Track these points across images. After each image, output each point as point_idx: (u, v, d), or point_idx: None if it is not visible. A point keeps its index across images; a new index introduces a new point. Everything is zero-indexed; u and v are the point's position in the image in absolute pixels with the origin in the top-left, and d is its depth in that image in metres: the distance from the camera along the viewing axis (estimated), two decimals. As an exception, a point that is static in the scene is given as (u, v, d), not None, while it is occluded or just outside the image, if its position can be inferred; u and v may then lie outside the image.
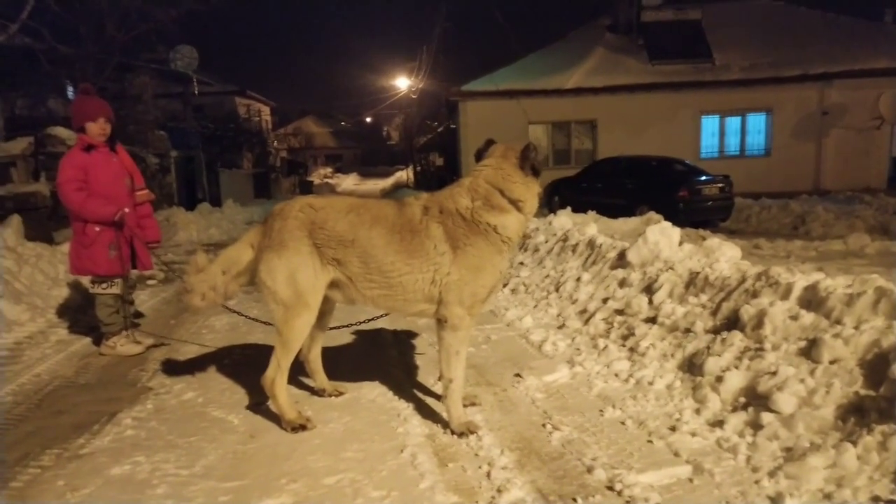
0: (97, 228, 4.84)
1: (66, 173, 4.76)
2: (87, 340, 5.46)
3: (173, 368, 4.62)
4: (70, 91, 17.09)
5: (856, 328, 3.26)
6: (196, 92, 21.72)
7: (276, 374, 3.42)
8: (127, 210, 4.90)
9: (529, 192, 3.33)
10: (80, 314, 6.17)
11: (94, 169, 4.83)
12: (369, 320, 4.83)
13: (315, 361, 3.94)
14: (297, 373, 3.96)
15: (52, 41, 14.50)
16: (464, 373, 3.39)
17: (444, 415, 3.43)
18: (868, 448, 2.63)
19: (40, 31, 14.23)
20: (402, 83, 38.01)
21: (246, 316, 4.95)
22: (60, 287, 6.76)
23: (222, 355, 4.91)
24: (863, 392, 2.95)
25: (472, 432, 3.29)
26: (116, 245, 4.92)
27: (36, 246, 7.58)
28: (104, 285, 4.97)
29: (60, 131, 11.73)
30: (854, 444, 2.67)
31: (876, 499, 2.41)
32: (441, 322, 3.33)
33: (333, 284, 3.45)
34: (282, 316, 3.37)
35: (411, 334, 5.26)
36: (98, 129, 4.87)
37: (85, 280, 5.31)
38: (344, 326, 4.76)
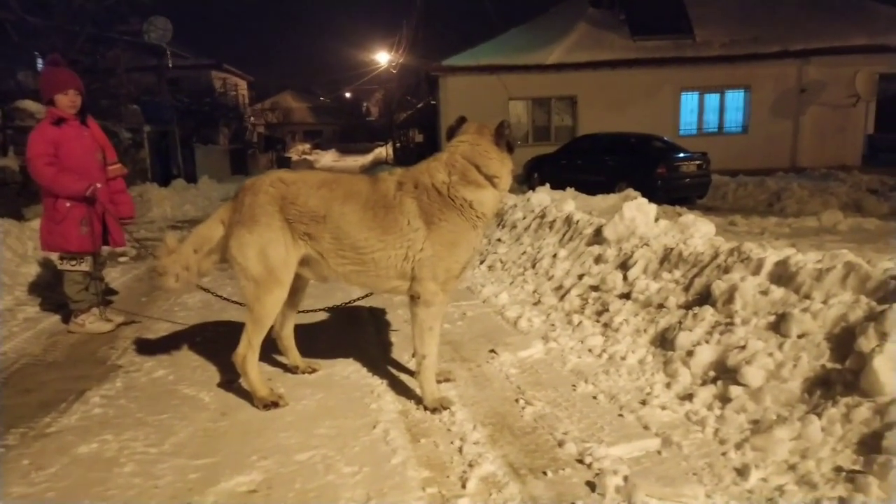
0: (68, 204, 4.73)
1: (36, 148, 4.63)
2: (56, 318, 5.36)
3: (144, 346, 4.56)
4: (39, 63, 16.62)
5: (824, 303, 3.30)
6: (170, 65, 21.28)
7: (248, 351, 3.38)
8: (99, 185, 4.79)
9: (504, 168, 3.31)
10: (48, 291, 6.05)
11: (64, 143, 4.70)
12: (346, 304, 4.81)
13: (288, 339, 3.91)
14: (270, 350, 3.93)
15: (21, 11, 14.06)
16: (437, 349, 3.38)
17: (418, 391, 3.43)
18: (832, 420, 2.67)
19: (7, 1, 13.79)
20: (382, 58, 37.56)
21: (217, 295, 4.89)
22: (29, 264, 6.62)
23: (194, 333, 4.85)
24: (829, 365, 2.99)
25: (445, 408, 3.29)
26: (88, 221, 4.81)
27: (4, 222, 7.40)
28: (73, 262, 4.87)
29: (29, 104, 11.43)
30: (819, 416, 2.71)
31: (839, 469, 2.45)
32: (414, 298, 3.31)
33: (305, 261, 3.40)
34: (253, 292, 3.33)
35: (386, 311, 5.24)
36: (68, 101, 4.73)
37: (54, 256, 5.20)
38: (319, 310, 4.72)
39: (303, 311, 4.18)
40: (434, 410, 3.30)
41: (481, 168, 3.26)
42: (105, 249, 5.21)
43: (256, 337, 3.39)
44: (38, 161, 4.61)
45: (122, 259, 7.99)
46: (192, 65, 28.30)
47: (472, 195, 3.24)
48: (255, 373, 3.44)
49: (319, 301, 5.23)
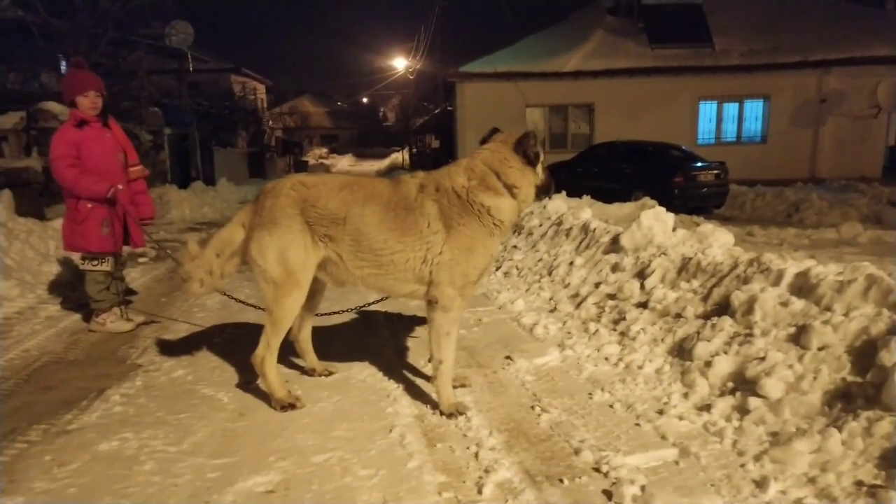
0: (90, 205, 4.80)
1: (59, 149, 4.71)
2: (77, 317, 5.44)
3: (163, 346, 4.61)
4: (63, 65, 16.88)
5: (845, 315, 3.27)
6: (191, 69, 21.48)
7: (266, 353, 3.41)
8: (120, 186, 4.86)
9: (524, 179, 3.31)
10: (70, 290, 6.14)
11: (86, 144, 4.78)
12: (363, 307, 4.83)
13: (305, 341, 3.94)
14: (288, 352, 3.96)
15: (45, 14, 14.30)
16: (454, 354, 3.39)
17: (434, 396, 3.44)
18: (853, 433, 2.64)
19: (33, 4, 14.03)
20: (400, 64, 37.75)
21: (234, 298, 4.91)
22: (51, 263, 6.72)
23: (213, 334, 4.90)
24: (850, 378, 2.96)
25: (461, 413, 3.30)
26: (109, 222, 4.88)
27: (27, 221, 7.53)
28: (94, 262, 4.94)
29: (53, 106, 11.61)
30: (839, 429, 2.68)
31: (859, 483, 2.43)
32: (432, 303, 3.32)
33: (323, 264, 3.43)
34: (272, 294, 3.36)
35: (403, 315, 5.26)
36: (89, 102, 4.81)
37: (75, 256, 5.28)
38: (336, 313, 4.75)
39: (320, 314, 4.21)
40: (450, 415, 3.30)
41: (500, 176, 3.27)
42: (125, 250, 5.27)
43: (275, 339, 3.41)
44: (60, 162, 4.68)
45: (141, 260, 8.08)
46: (212, 69, 28.59)
47: (490, 201, 3.25)
48: (274, 374, 3.46)
49: (336, 305, 5.25)
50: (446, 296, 3.26)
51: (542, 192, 3.49)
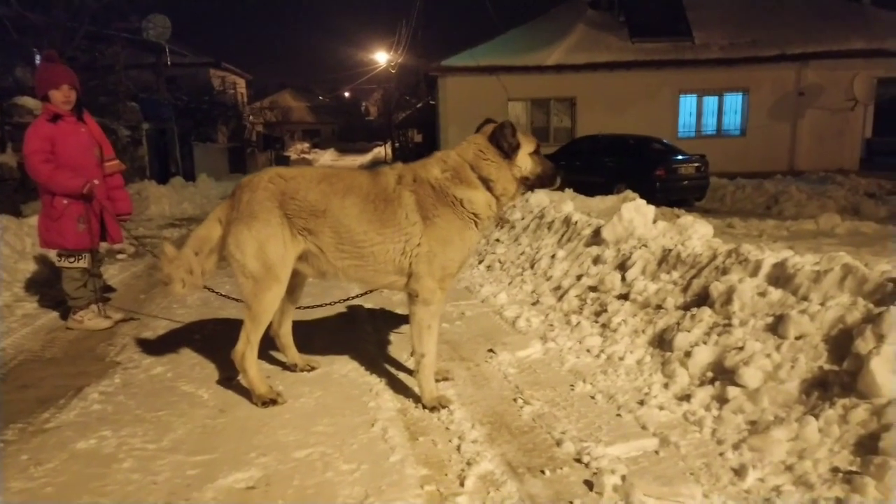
0: (65, 201, 4.73)
1: (33, 144, 4.62)
2: (55, 315, 5.36)
3: (143, 343, 4.56)
4: (38, 60, 16.59)
5: (822, 305, 3.31)
6: (169, 63, 21.19)
7: (246, 349, 3.38)
8: (96, 182, 4.79)
9: (500, 172, 3.26)
10: (47, 288, 6.05)
11: (61, 139, 4.69)
12: (344, 300, 4.80)
13: (286, 336, 3.91)
14: (269, 348, 3.94)
15: (20, 8, 14.02)
16: (436, 348, 3.39)
17: (417, 389, 3.43)
18: (829, 421, 2.68)
19: (6, -2, 13.76)
20: (382, 58, 37.56)
21: (216, 292, 4.87)
22: (27, 260, 6.62)
23: (193, 330, 4.85)
24: (827, 367, 3.00)
25: (443, 407, 3.30)
26: (86, 218, 4.81)
27: (2, 218, 7.38)
28: (71, 259, 4.87)
29: (27, 101, 11.40)
30: (816, 417, 2.72)
31: (835, 470, 2.47)
32: (412, 297, 3.32)
33: (304, 256, 3.40)
34: (251, 289, 3.33)
35: (385, 310, 5.25)
36: (62, 96, 4.72)
37: (52, 253, 5.19)
38: (318, 306, 4.72)
39: (301, 308, 4.18)
40: (433, 409, 3.30)
41: (475, 168, 3.25)
42: (103, 246, 5.20)
43: (255, 334, 3.39)
44: (34, 158, 4.60)
45: (120, 256, 7.98)
46: (190, 63, 28.20)
47: (463, 194, 3.23)
48: (255, 370, 3.44)
49: (318, 299, 5.23)
50: (426, 288, 3.26)
51: (536, 182, 3.39)
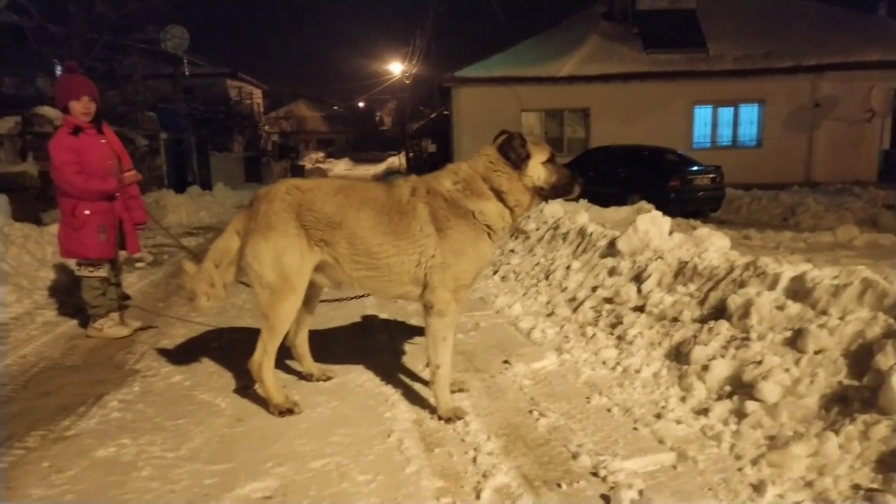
0: (87, 211, 4.80)
1: (61, 156, 4.70)
2: (74, 322, 5.42)
3: (161, 351, 4.61)
4: (58, 70, 16.85)
5: (841, 319, 3.28)
6: (186, 73, 21.50)
7: (263, 358, 3.41)
8: (117, 193, 4.89)
9: (512, 183, 3.26)
10: (66, 296, 6.12)
11: (84, 151, 4.79)
12: (359, 297, 4.80)
13: (302, 346, 3.93)
14: (285, 357, 3.96)
15: (41, 19, 14.27)
16: (451, 359, 3.39)
17: (432, 400, 3.44)
18: (850, 437, 2.65)
19: (28, 9, 14.01)
20: (396, 68, 37.75)
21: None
22: (47, 268, 6.71)
23: (210, 339, 4.89)
24: (846, 382, 2.98)
25: (458, 418, 3.30)
26: (106, 228, 4.88)
27: (23, 227, 7.52)
28: (91, 268, 4.93)
29: (48, 111, 11.56)
30: (836, 433, 2.69)
31: (856, 487, 2.44)
32: (428, 308, 3.33)
33: (320, 266, 3.44)
34: (268, 300, 3.36)
35: (401, 320, 5.27)
36: (82, 107, 4.80)
37: (71, 262, 5.26)
38: (335, 300, 4.74)
39: (325, 300, 4.17)
40: (448, 420, 3.30)
41: (487, 180, 3.26)
42: (122, 255, 5.26)
43: (272, 344, 3.41)
44: (66, 169, 4.69)
45: (138, 265, 8.07)
46: (207, 73, 28.58)
47: (475, 205, 3.25)
48: (271, 379, 3.46)
49: (332, 308, 5.26)
50: (441, 300, 3.27)
51: (551, 192, 3.37)
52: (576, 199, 3.48)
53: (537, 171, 3.30)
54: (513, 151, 3.23)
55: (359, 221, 3.29)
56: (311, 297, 3.74)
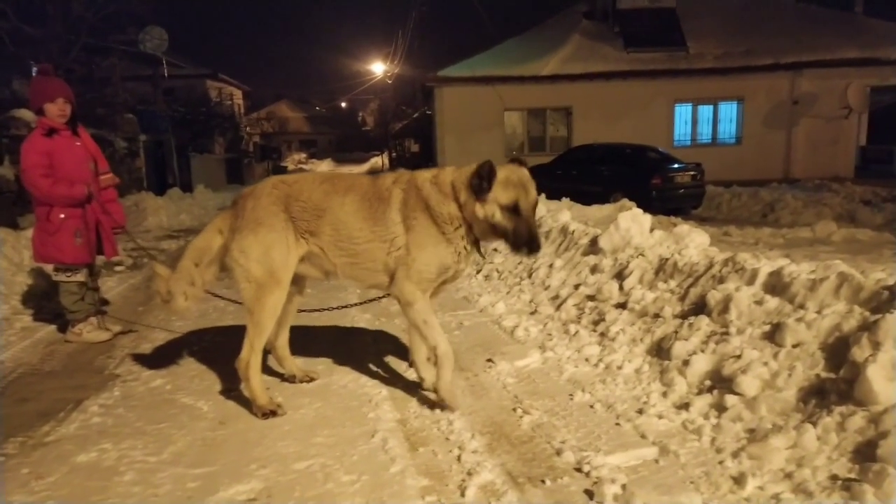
0: (62, 216, 4.73)
1: (31, 158, 4.63)
2: (53, 327, 5.35)
3: (142, 355, 4.56)
4: (35, 72, 16.63)
5: (818, 312, 3.34)
6: (166, 74, 21.27)
7: (251, 356, 3.39)
8: (93, 194, 4.81)
9: (469, 201, 3.20)
10: (45, 301, 6.04)
11: (58, 154, 4.70)
12: (341, 307, 4.81)
13: (283, 348, 3.92)
14: (269, 359, 3.94)
15: (17, 21, 14.09)
16: (445, 336, 3.38)
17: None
18: (827, 429, 2.70)
19: (4, 11, 13.82)
20: (378, 68, 37.74)
21: (216, 295, 4.84)
22: (25, 273, 6.60)
23: (192, 342, 4.85)
24: (824, 374, 3.02)
25: (455, 408, 3.36)
26: (82, 232, 4.82)
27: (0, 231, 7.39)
28: (68, 273, 4.87)
29: (24, 114, 11.38)
30: (814, 425, 2.74)
31: (834, 477, 2.48)
32: (397, 300, 3.41)
33: (306, 257, 3.48)
34: (253, 294, 3.36)
35: (385, 321, 5.26)
36: (57, 109, 4.73)
37: (48, 268, 5.19)
38: (315, 311, 4.73)
39: (302, 311, 4.18)
40: (442, 407, 3.36)
41: (455, 188, 3.27)
42: (99, 259, 5.20)
43: (258, 340, 3.40)
44: (33, 172, 4.61)
45: (117, 269, 7.97)
46: (187, 74, 28.33)
47: (433, 198, 3.30)
48: (258, 380, 3.45)
49: (314, 306, 5.24)
50: (405, 291, 3.32)
51: (504, 237, 3.22)
52: (527, 256, 3.43)
53: (493, 209, 3.18)
54: (476, 178, 3.16)
55: (343, 206, 3.38)
56: (291, 296, 3.73)
